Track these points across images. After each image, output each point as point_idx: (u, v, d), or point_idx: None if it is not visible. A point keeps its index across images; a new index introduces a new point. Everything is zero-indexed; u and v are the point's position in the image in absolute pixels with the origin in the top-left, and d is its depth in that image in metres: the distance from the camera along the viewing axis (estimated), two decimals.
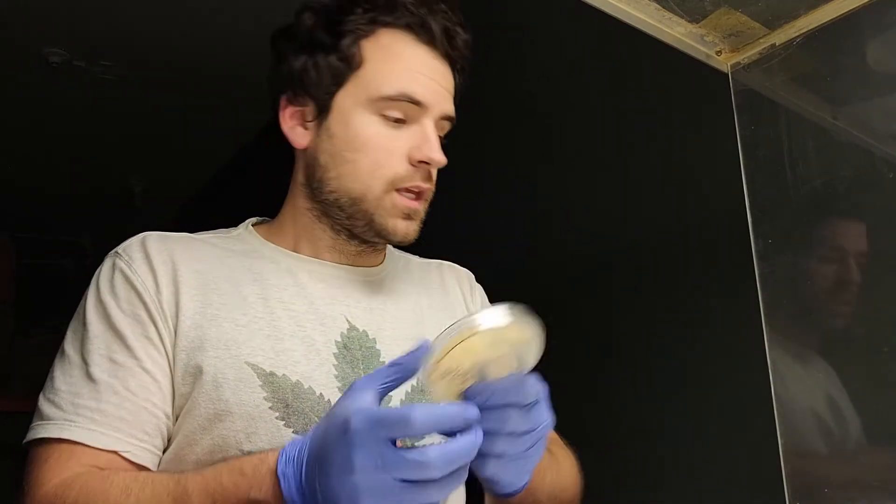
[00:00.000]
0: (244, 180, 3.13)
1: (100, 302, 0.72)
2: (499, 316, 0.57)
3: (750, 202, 1.06)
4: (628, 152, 1.34)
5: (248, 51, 2.33)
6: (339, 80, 0.77)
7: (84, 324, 0.72)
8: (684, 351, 1.21)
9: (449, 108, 0.80)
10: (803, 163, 1.01)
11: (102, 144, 3.03)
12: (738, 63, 1.09)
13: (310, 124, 0.79)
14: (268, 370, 0.71)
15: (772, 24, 1.01)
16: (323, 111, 0.78)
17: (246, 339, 0.72)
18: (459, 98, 0.83)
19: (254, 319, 0.73)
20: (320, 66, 0.77)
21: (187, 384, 0.70)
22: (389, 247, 0.90)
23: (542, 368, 1.04)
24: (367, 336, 0.78)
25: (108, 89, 2.55)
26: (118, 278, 0.73)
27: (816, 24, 0.98)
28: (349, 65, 0.77)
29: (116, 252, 0.76)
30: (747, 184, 1.06)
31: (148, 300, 0.71)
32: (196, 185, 3.47)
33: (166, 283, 0.73)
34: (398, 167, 0.76)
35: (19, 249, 3.86)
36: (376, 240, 0.80)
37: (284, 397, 0.70)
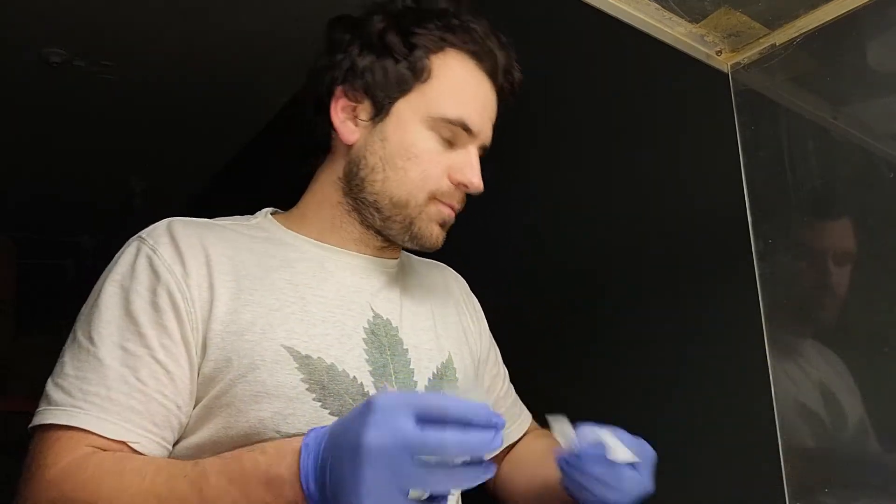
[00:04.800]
0: (245, 180, 3.13)
1: (118, 287, 0.71)
2: None
3: (750, 202, 1.05)
4: (628, 152, 1.34)
5: (249, 51, 2.33)
6: (404, 89, 0.79)
7: (98, 308, 0.70)
8: (684, 351, 1.21)
9: (489, 138, 0.84)
10: (803, 163, 1.01)
11: (102, 144, 3.03)
12: (739, 63, 1.08)
13: (362, 122, 0.81)
14: (303, 353, 0.72)
15: (772, 24, 1.01)
16: (380, 113, 0.80)
17: (280, 323, 0.72)
18: None
19: (286, 304, 0.74)
20: (388, 71, 0.79)
21: (221, 369, 0.70)
22: None
23: (541, 369, 1.04)
24: (391, 324, 0.81)
25: (108, 89, 2.55)
26: (141, 263, 0.72)
27: (816, 24, 0.98)
28: (417, 76, 0.79)
29: (140, 237, 0.75)
30: (747, 184, 1.06)
31: (173, 286, 0.70)
32: (196, 186, 3.47)
33: (197, 266, 0.72)
34: (441, 183, 0.80)
35: (20, 250, 3.86)
36: (408, 244, 0.83)
37: (321, 379, 0.71)
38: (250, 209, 0.89)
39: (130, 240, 0.75)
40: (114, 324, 0.69)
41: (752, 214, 1.05)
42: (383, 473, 0.52)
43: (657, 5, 0.98)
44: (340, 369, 0.73)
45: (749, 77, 1.08)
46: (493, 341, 1.04)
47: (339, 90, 0.81)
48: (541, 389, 1.08)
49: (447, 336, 0.88)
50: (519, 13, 1.56)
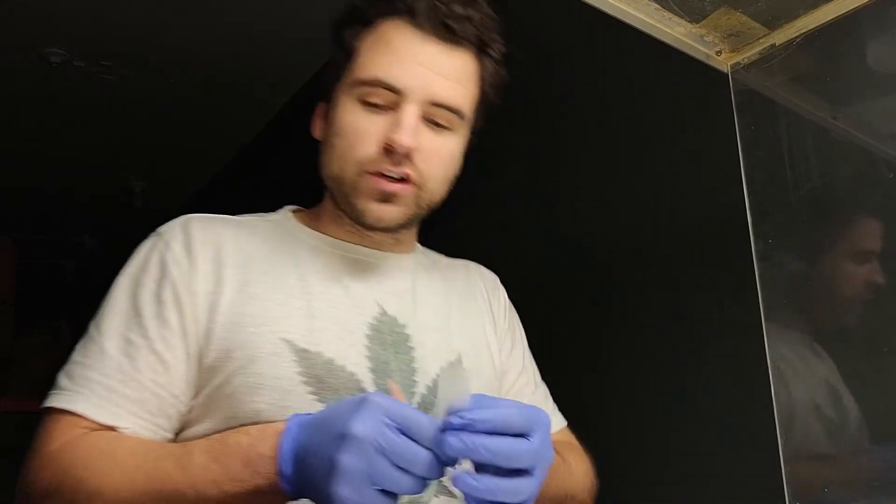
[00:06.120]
0: (244, 180, 3.13)
1: (130, 279, 0.75)
2: None
3: (750, 202, 1.05)
4: (628, 152, 1.34)
5: (248, 51, 2.33)
6: (339, 73, 0.80)
7: (109, 300, 0.75)
8: (684, 351, 1.21)
9: (440, 93, 0.76)
10: (803, 163, 1.01)
11: (102, 144, 3.03)
12: (738, 63, 1.08)
13: (326, 117, 0.83)
14: (301, 346, 0.73)
15: (772, 24, 1.01)
16: (331, 105, 0.81)
17: (282, 317, 0.74)
18: (497, 82, 0.84)
19: (290, 298, 0.76)
20: (331, 62, 0.81)
21: (223, 359, 0.72)
22: (418, 244, 0.93)
23: (543, 368, 1.04)
24: (398, 322, 0.81)
25: (108, 89, 2.55)
26: (153, 257, 0.75)
27: (816, 24, 0.98)
28: (346, 57, 0.79)
29: (158, 232, 0.78)
30: (747, 184, 1.06)
31: (178, 280, 0.73)
32: (196, 185, 3.47)
33: (205, 260, 0.75)
34: (368, 150, 0.75)
35: (20, 250, 3.86)
36: (361, 224, 0.80)
37: (317, 373, 0.73)
38: (250, 209, 0.89)
39: (150, 235, 0.79)
40: (120, 315, 0.73)
41: (752, 214, 1.05)
42: (361, 463, 0.54)
43: (657, 5, 0.98)
44: (339, 364, 0.74)
45: (749, 77, 1.08)
46: (520, 341, 1.00)
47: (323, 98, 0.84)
48: None
49: (462, 336, 0.86)
50: (519, 13, 1.56)
